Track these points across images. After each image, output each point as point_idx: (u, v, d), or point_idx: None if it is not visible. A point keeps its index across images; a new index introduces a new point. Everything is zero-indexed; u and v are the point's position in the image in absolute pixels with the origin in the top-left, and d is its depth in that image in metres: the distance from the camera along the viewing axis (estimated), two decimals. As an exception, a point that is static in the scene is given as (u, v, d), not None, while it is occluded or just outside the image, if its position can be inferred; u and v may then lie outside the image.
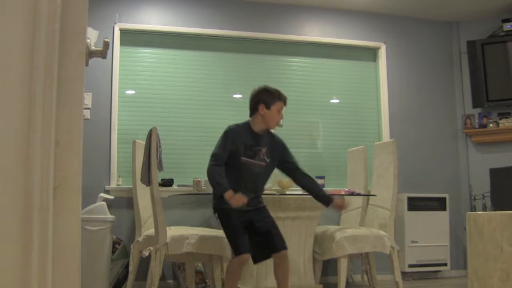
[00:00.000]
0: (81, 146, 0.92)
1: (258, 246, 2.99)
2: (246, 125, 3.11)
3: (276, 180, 4.29)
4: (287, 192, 3.75)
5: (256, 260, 3.07)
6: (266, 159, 3.10)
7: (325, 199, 3.17)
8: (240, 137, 3.03)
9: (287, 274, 3.04)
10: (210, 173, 2.93)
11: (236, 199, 2.83)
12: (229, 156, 3.00)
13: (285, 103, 3.11)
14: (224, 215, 3.00)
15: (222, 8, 4.86)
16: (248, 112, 4.77)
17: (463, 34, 5.38)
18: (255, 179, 3.08)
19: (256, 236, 3.00)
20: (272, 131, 3.23)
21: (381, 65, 5.18)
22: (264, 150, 3.09)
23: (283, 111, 3.13)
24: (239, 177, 3.00)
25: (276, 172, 4.24)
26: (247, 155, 3.02)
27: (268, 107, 3.06)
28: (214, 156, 2.97)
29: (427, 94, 5.29)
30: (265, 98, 3.07)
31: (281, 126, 4.38)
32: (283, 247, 2.99)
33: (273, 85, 4.86)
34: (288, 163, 3.21)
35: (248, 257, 2.93)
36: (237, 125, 3.11)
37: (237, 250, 2.92)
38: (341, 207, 3.23)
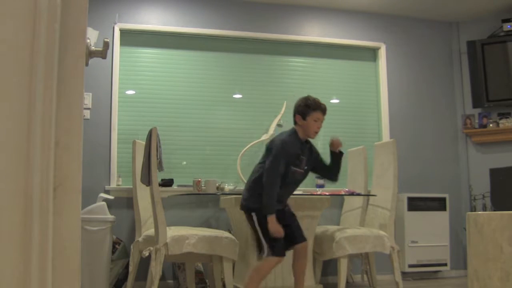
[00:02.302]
0: (81, 146, 0.92)
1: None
2: (294, 134, 3.17)
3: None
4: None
5: None
6: (305, 167, 3.19)
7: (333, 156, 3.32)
8: (293, 148, 3.11)
9: (304, 267, 3.19)
10: (271, 184, 2.98)
11: (276, 229, 2.95)
12: None
13: (323, 112, 3.15)
14: (263, 215, 3.05)
15: (222, 8, 4.86)
16: (247, 112, 4.82)
17: (463, 34, 5.38)
18: (295, 185, 3.24)
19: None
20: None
21: (381, 65, 5.18)
22: (305, 159, 3.18)
23: (322, 121, 3.17)
24: (284, 183, 3.08)
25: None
26: (295, 164, 3.12)
27: (304, 118, 3.13)
28: (275, 170, 2.99)
29: (427, 94, 5.29)
30: (301, 109, 3.14)
31: (281, 126, 4.40)
32: (302, 239, 3.17)
33: (273, 85, 4.92)
34: (321, 166, 3.34)
35: (281, 258, 3.06)
36: (289, 136, 3.15)
37: (276, 252, 3.01)
38: (334, 145, 3.30)
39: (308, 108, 3.11)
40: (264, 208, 2.98)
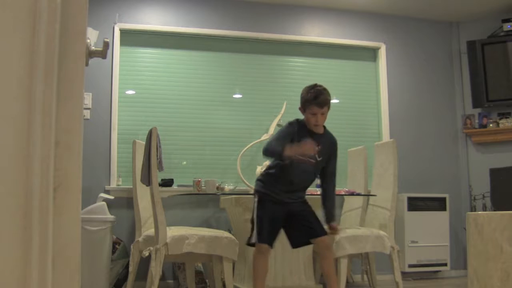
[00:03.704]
0: (81, 146, 0.92)
1: (298, 232, 3.07)
2: (303, 121, 3.13)
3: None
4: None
5: (294, 245, 3.13)
6: (318, 157, 3.07)
7: (327, 216, 3.19)
8: (299, 132, 3.05)
9: (331, 264, 3.09)
10: (266, 149, 2.97)
11: (307, 148, 2.88)
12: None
13: (319, 106, 2.99)
14: (263, 201, 3.02)
15: (222, 8, 4.86)
16: (247, 112, 4.82)
17: (463, 34, 5.38)
18: (303, 176, 3.09)
19: (296, 223, 3.07)
20: (330, 132, 3.20)
21: (381, 65, 5.18)
22: (318, 148, 3.07)
23: (323, 114, 3.03)
24: (290, 172, 3.02)
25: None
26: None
27: (304, 110, 3.07)
28: (268, 143, 3.02)
29: (427, 94, 5.29)
30: (301, 101, 3.08)
31: (281, 126, 4.39)
32: (322, 233, 3.04)
33: (273, 85, 4.92)
34: (325, 167, 3.18)
35: (265, 247, 2.97)
36: (298, 121, 3.13)
37: (257, 238, 2.97)
38: (334, 231, 3.20)
39: (305, 102, 3.03)
40: (277, 156, 2.96)
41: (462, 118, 5.27)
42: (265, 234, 2.98)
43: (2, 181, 0.82)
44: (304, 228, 3.06)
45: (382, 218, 3.96)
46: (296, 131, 3.04)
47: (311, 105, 3.00)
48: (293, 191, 3.09)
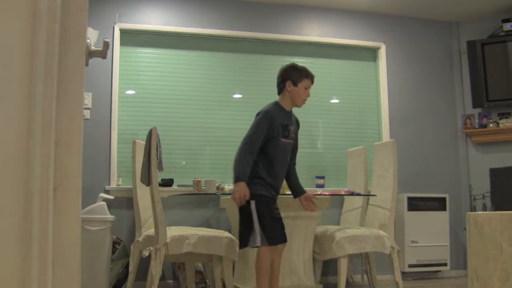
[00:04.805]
0: (81, 146, 0.92)
1: None
2: (277, 105, 3.06)
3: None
4: (287, 192, 3.75)
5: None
6: (294, 136, 3.07)
7: (297, 190, 3.15)
8: (277, 118, 2.99)
9: (279, 270, 3.07)
10: (241, 159, 2.89)
11: (241, 194, 2.80)
12: (266, 139, 2.95)
13: (312, 81, 3.04)
14: (263, 202, 2.93)
15: (222, 8, 4.86)
16: (247, 112, 4.81)
17: (463, 34, 5.38)
18: (286, 159, 3.05)
19: None
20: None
21: (381, 65, 5.18)
22: (292, 128, 3.06)
23: (310, 90, 3.04)
24: (277, 160, 2.97)
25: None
26: (284, 136, 3.00)
27: (295, 84, 3.02)
28: (249, 143, 2.93)
29: (427, 94, 5.29)
30: (292, 75, 3.03)
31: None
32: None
33: (273, 85, 4.88)
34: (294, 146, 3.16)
35: (283, 248, 2.92)
36: (271, 106, 3.05)
37: (271, 240, 2.86)
38: (308, 201, 3.09)
39: (300, 74, 3.01)
40: (236, 177, 2.85)
41: (462, 118, 5.27)
42: (280, 233, 2.93)
43: (2, 181, 0.82)
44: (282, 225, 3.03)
45: (382, 218, 3.96)
46: (274, 120, 2.97)
47: (307, 79, 3.01)
48: (278, 180, 3.04)
